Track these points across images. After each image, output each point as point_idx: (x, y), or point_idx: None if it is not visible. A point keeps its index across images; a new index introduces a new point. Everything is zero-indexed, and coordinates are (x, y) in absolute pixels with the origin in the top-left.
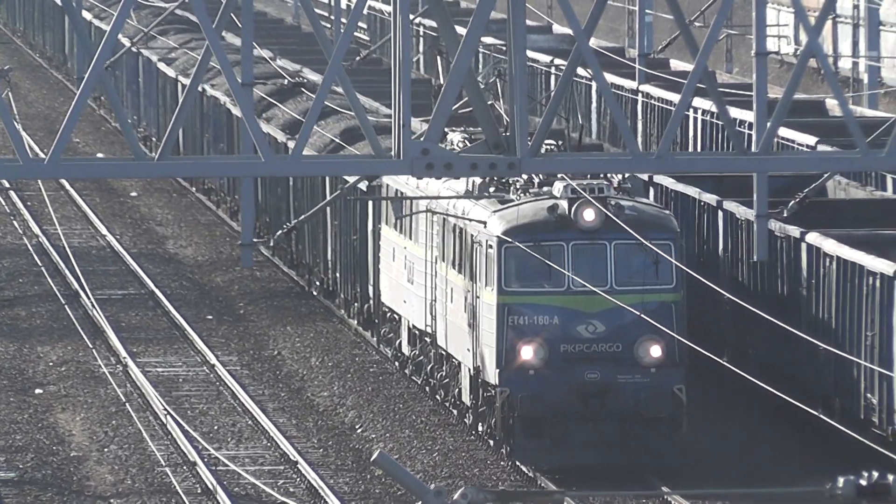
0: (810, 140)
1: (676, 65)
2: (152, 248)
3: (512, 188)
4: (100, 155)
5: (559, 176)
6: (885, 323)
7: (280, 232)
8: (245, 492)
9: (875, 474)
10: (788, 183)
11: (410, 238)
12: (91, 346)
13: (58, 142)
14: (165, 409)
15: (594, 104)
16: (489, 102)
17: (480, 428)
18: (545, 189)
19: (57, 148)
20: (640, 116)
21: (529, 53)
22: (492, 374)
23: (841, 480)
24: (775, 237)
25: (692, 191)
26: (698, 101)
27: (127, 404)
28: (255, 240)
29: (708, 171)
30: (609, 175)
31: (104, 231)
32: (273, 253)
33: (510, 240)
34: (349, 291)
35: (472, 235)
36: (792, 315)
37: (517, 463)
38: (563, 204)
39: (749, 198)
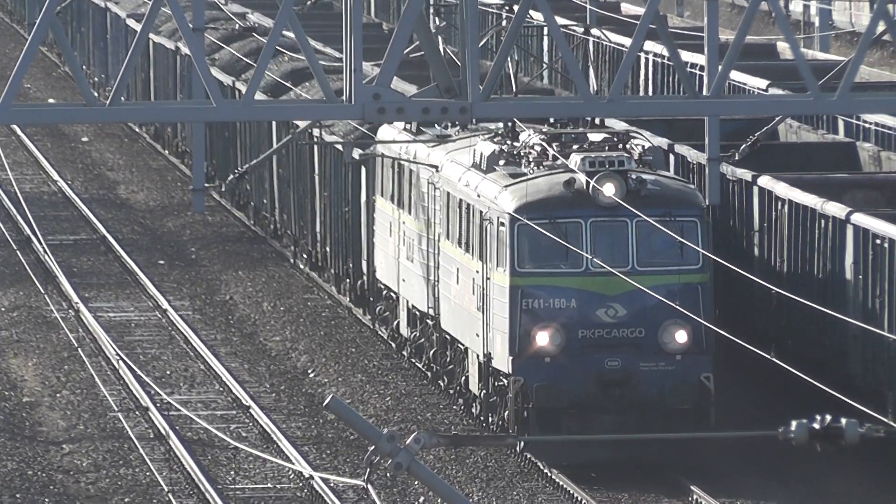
0: (762, 83)
1: (628, 8)
2: (104, 193)
3: (524, 161)
4: (51, 101)
5: (575, 148)
6: (836, 267)
7: (231, 177)
8: (197, 436)
9: (828, 417)
10: (740, 126)
11: (410, 213)
12: (43, 291)
13: (9, 88)
14: (118, 354)
15: (545, 48)
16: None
17: (491, 419)
18: (560, 161)
19: (8, 94)
20: (591, 60)
21: None
22: (504, 362)
23: (794, 424)
24: (727, 181)
25: (645, 134)
26: (650, 45)
27: (79, 349)
28: (206, 185)
29: (659, 115)
30: (629, 147)
31: (56, 176)
32: (227, 200)
33: (523, 217)
34: (340, 266)
35: (481, 212)
36: (744, 259)
37: (531, 457)
38: (581, 178)
39: (701, 141)
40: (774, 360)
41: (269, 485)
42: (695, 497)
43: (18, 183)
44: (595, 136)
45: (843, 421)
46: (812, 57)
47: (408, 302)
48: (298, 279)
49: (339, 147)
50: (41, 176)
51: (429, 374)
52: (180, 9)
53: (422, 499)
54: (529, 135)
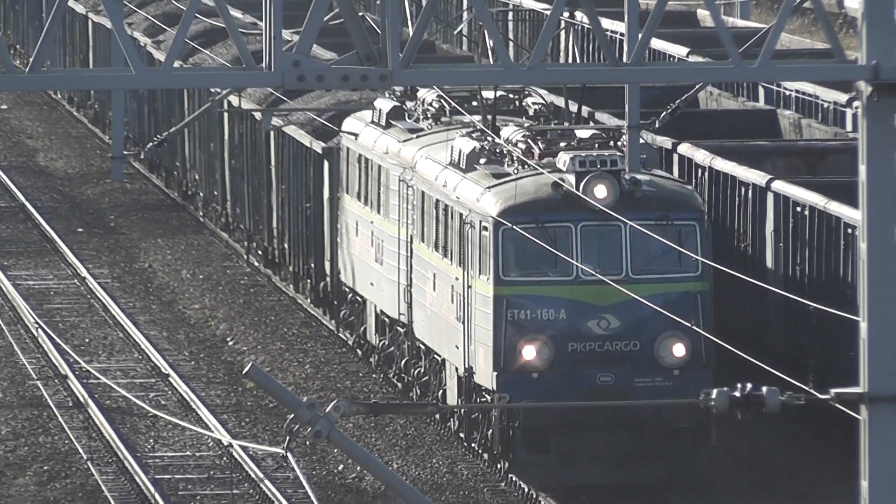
0: (682, 51)
1: None
2: (23, 160)
3: (507, 159)
4: None
5: (563, 145)
6: (757, 233)
7: (151, 144)
8: (116, 404)
9: (749, 386)
10: (661, 94)
11: (379, 212)
12: None
13: None
14: (37, 322)
15: (465, 15)
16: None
17: (472, 437)
18: (548, 160)
19: None
20: (511, 28)
21: None
22: (487, 378)
23: (714, 392)
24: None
25: (543, 93)
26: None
27: None
28: (125, 152)
29: (580, 82)
30: (621, 144)
31: None
32: (148, 168)
33: (508, 221)
34: (300, 266)
35: (461, 214)
36: None
37: (516, 479)
38: (570, 178)
39: (621, 109)
40: (787, 378)
41: (189, 452)
42: None
43: None
44: (583, 133)
45: (764, 389)
46: (732, 24)
47: (376, 307)
48: (217, 247)
49: (257, 115)
50: None
51: (399, 385)
52: None
53: (341, 466)
54: (513, 131)
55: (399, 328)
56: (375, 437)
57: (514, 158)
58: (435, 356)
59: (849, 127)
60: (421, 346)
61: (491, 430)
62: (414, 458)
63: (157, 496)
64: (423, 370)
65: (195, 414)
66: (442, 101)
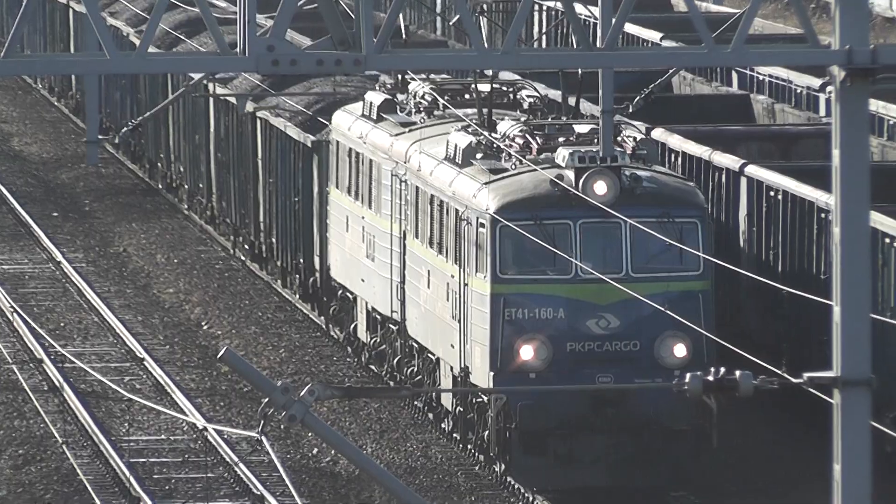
0: (656, 36)
1: None
2: None
3: (504, 154)
4: None
5: (561, 140)
6: (731, 217)
7: (125, 129)
8: (91, 388)
9: (722, 370)
10: (634, 79)
11: (370, 207)
12: None
13: None
14: (11, 307)
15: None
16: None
17: (467, 437)
18: (546, 156)
19: None
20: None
21: None
22: (484, 378)
23: (688, 376)
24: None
25: (538, 86)
26: None
27: None
28: (100, 136)
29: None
30: (621, 139)
31: None
32: (119, 150)
33: (506, 218)
34: (288, 261)
35: (457, 210)
36: None
37: (513, 482)
38: (569, 174)
39: (595, 94)
40: (784, 374)
41: (163, 436)
42: None
43: None
44: (581, 128)
45: (738, 373)
46: (706, 9)
47: (367, 304)
48: (192, 231)
49: (233, 100)
50: None
51: (391, 383)
52: None
53: (315, 450)
54: (510, 125)
55: (391, 326)
56: (350, 421)
57: (512, 153)
58: (429, 355)
59: (822, 112)
60: (414, 344)
61: (487, 432)
62: (388, 442)
63: (132, 479)
64: (416, 369)
65: (170, 398)
66: (435, 94)
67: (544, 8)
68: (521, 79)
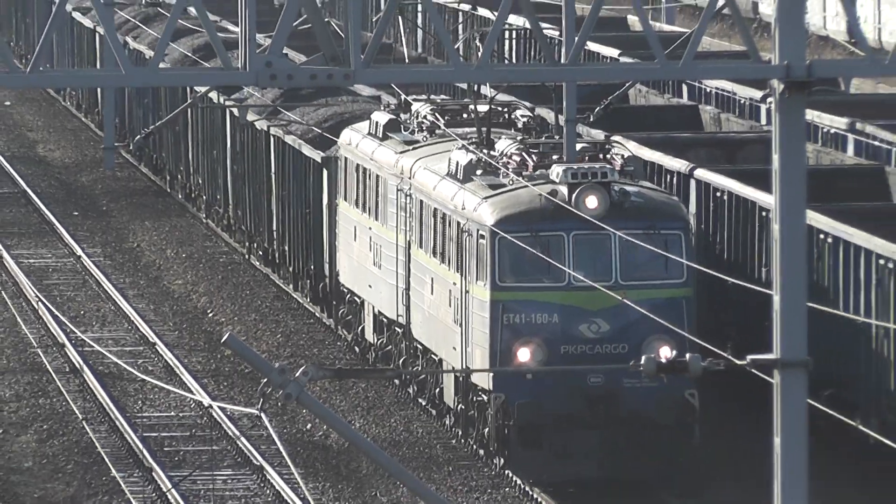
0: (614, 52)
1: None
2: (24, 151)
3: (503, 171)
4: None
5: (555, 158)
6: None
7: (138, 137)
8: (108, 370)
9: (674, 353)
10: (595, 91)
11: (377, 219)
12: None
13: None
14: (37, 296)
15: (420, 20)
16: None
17: (468, 433)
18: (541, 172)
19: None
20: (461, 32)
21: None
22: (483, 378)
23: (643, 358)
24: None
25: (488, 91)
26: (513, 18)
27: (2, 292)
28: (115, 143)
29: (523, 81)
30: (611, 156)
31: None
32: (139, 160)
33: (504, 230)
34: (299, 267)
35: (458, 223)
36: None
37: (511, 474)
38: (563, 189)
39: (559, 105)
40: (729, 357)
41: (173, 413)
42: None
43: None
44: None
45: (688, 356)
46: (659, 29)
47: (374, 308)
48: (199, 229)
49: (235, 111)
50: None
51: (396, 381)
52: None
53: (309, 425)
54: (508, 144)
55: (397, 328)
56: (340, 399)
57: (510, 170)
58: (432, 356)
59: (763, 120)
60: (419, 346)
61: (487, 428)
62: (374, 417)
63: (145, 452)
64: (420, 368)
65: (178, 378)
66: (435, 114)
67: (513, 28)
68: (516, 99)
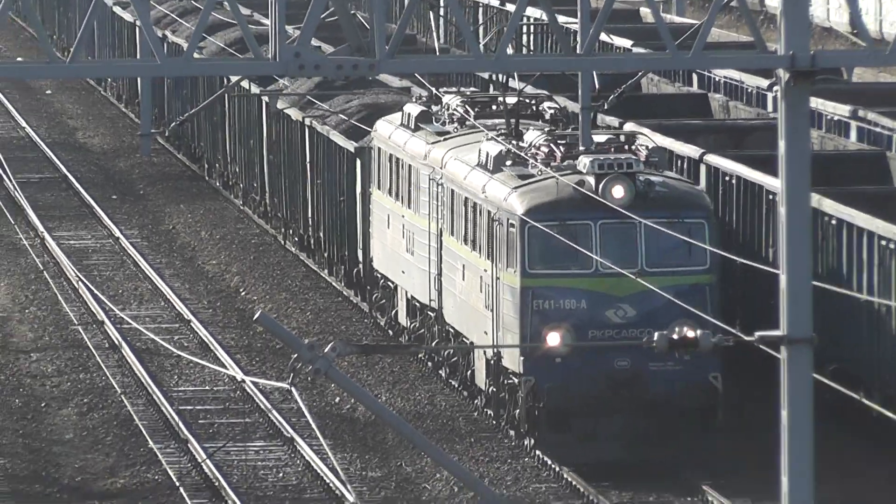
0: (627, 43)
1: None
2: (64, 138)
3: (532, 162)
4: (19, 59)
5: (582, 149)
6: None
7: (173, 124)
8: (146, 346)
9: (685, 329)
10: (608, 80)
11: (410, 207)
12: (13, 222)
13: None
14: (77, 276)
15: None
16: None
17: (499, 415)
18: (568, 163)
19: None
20: (481, 22)
21: None
22: (514, 361)
23: (656, 335)
24: (598, 126)
25: (517, 83)
26: (531, 10)
27: (44, 272)
28: (152, 130)
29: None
30: (636, 148)
31: (23, 124)
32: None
33: (534, 219)
34: (334, 252)
35: (489, 212)
36: None
37: (541, 455)
38: (590, 180)
39: (575, 93)
40: (738, 333)
41: (207, 387)
42: (707, 497)
43: None
44: (599, 138)
45: (698, 332)
46: (670, 20)
47: (407, 293)
48: (231, 211)
49: (266, 99)
50: (11, 123)
51: (429, 363)
52: None
53: (338, 399)
54: (536, 135)
55: (429, 312)
56: (367, 373)
57: (538, 160)
58: (464, 339)
59: (770, 108)
60: (450, 329)
61: (518, 411)
62: (399, 391)
63: (181, 424)
64: (452, 352)
65: (212, 354)
66: (466, 106)
67: (531, 20)
68: (544, 91)
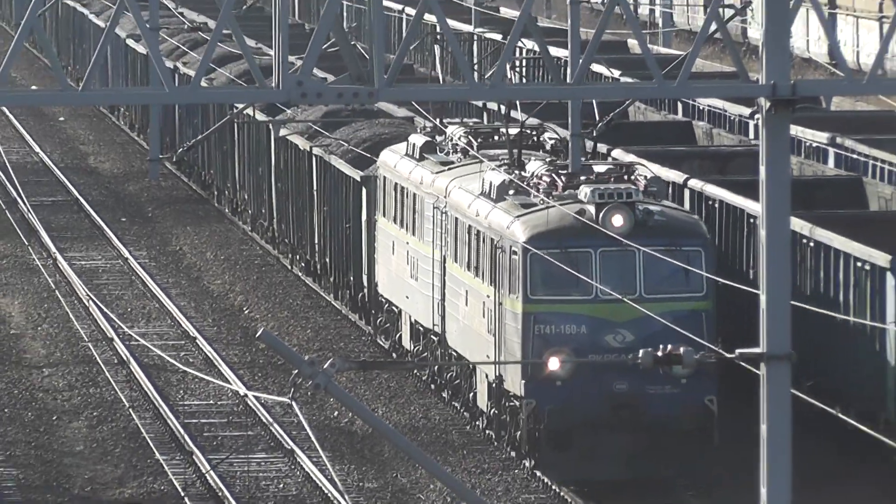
0: (616, 73)
1: (506, 11)
2: (77, 162)
3: (534, 191)
4: (34, 87)
5: (583, 179)
6: None
7: (181, 150)
8: (153, 362)
9: (669, 346)
10: (600, 108)
11: (414, 234)
12: (26, 243)
13: None
14: (88, 295)
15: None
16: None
17: (500, 436)
18: (570, 192)
19: None
20: (475, 53)
21: (385, 2)
22: (516, 385)
23: (641, 352)
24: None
25: (519, 115)
26: (524, 41)
27: (56, 291)
28: (160, 155)
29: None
30: (635, 177)
31: (37, 149)
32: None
33: (536, 247)
34: (339, 277)
35: (492, 239)
36: None
37: (540, 475)
38: (590, 209)
39: (565, 120)
40: (720, 350)
41: (211, 401)
42: None
43: (6, 154)
44: (600, 168)
45: (682, 349)
46: (656, 51)
47: (411, 317)
48: (235, 233)
49: (270, 125)
50: (25, 149)
51: (432, 385)
52: (139, 10)
53: (336, 413)
54: (538, 166)
55: (432, 337)
56: (364, 388)
57: (540, 190)
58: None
59: (751, 135)
60: (453, 353)
61: (519, 432)
62: (395, 405)
63: (186, 437)
64: (454, 374)
65: (217, 370)
66: (469, 136)
67: (523, 51)
68: (543, 122)
